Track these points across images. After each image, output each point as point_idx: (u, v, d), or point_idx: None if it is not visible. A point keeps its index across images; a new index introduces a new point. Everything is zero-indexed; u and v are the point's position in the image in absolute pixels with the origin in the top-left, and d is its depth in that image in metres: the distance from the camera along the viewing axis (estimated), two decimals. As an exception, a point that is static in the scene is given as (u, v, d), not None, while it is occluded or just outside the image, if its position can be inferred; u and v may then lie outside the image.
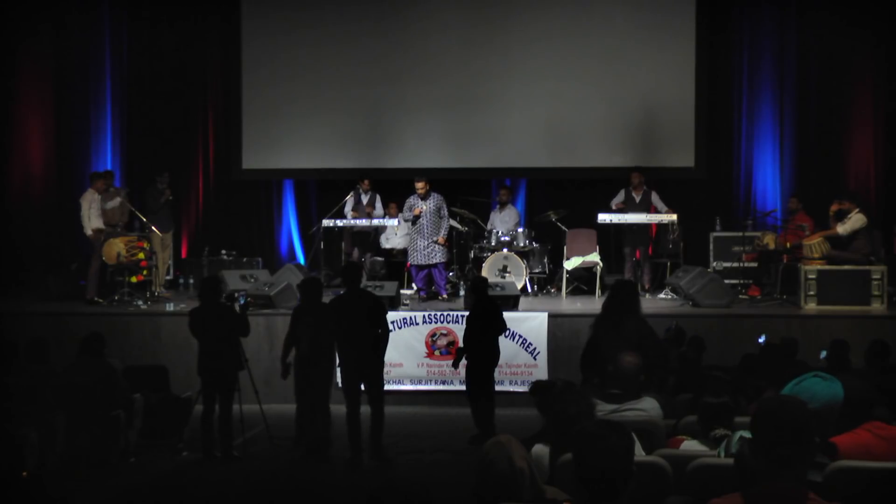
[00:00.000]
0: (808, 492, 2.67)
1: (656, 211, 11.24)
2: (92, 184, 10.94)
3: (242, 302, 7.82)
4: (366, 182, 11.71)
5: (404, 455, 7.52)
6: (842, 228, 10.12)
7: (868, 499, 3.57)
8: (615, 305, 6.78)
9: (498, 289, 9.86)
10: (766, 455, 2.68)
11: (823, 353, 7.66)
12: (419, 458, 7.43)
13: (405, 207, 10.93)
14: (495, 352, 7.98)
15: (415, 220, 10.75)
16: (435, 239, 10.68)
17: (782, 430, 2.68)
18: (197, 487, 6.85)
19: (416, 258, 10.78)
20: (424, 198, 10.74)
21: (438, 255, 10.73)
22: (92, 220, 10.68)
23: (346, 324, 7.20)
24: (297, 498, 6.68)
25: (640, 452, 4.12)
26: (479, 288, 8.16)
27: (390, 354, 8.08)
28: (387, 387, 9.02)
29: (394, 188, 12.13)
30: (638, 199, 11.36)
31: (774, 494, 2.63)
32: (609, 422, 2.82)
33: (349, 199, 11.64)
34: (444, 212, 10.84)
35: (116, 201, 11.15)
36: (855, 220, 10.10)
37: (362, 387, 7.30)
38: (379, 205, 11.72)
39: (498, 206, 11.97)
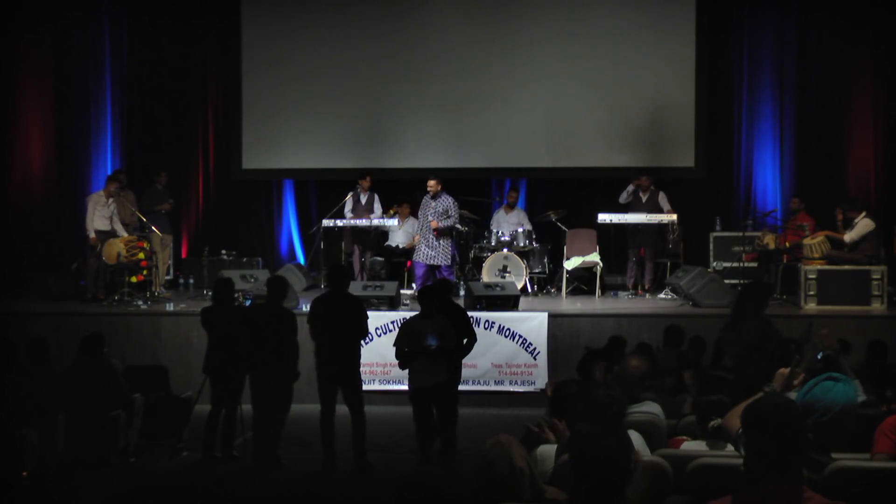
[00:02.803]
0: (805, 489, 2.66)
1: (660, 210, 11.24)
2: (106, 185, 10.92)
3: (249, 303, 7.83)
4: (367, 180, 11.63)
5: (404, 455, 7.51)
6: (848, 237, 10.11)
7: (868, 499, 3.57)
8: (743, 308, 6.77)
9: (498, 289, 9.86)
10: (759, 458, 2.67)
11: (820, 355, 7.65)
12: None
13: (420, 208, 10.86)
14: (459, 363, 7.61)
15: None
16: (433, 232, 10.58)
17: (775, 433, 2.67)
18: (197, 487, 6.85)
19: (419, 256, 10.74)
20: (435, 197, 10.67)
21: (440, 258, 10.66)
22: (95, 222, 10.68)
23: (326, 324, 7.17)
24: (298, 498, 6.68)
25: (645, 451, 4.12)
26: (435, 294, 7.57)
27: (391, 354, 8.04)
28: (386, 387, 9.05)
29: (393, 188, 12.12)
30: (644, 199, 11.37)
31: (769, 496, 2.62)
32: (608, 422, 2.81)
33: (348, 200, 11.62)
34: (452, 212, 10.64)
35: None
36: (862, 227, 10.09)
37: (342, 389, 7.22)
38: (377, 206, 11.68)
39: (504, 207, 11.99)
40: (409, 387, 7.19)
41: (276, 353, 7.13)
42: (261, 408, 7.19)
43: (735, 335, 6.42)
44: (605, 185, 12.16)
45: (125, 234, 10.83)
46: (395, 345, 7.24)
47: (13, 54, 12.60)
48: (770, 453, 2.64)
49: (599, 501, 2.63)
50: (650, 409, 4.90)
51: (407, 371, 7.20)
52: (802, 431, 2.71)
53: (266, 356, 7.12)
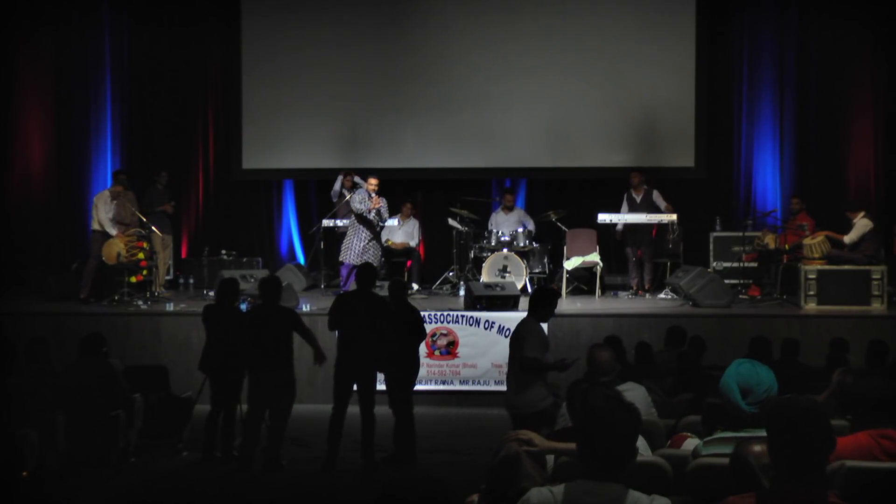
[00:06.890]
0: (832, 494, 2.66)
1: (657, 209, 11.24)
2: (114, 183, 10.88)
3: (244, 307, 7.82)
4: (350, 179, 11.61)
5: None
6: (848, 238, 10.13)
7: (868, 499, 3.56)
8: None
9: (498, 289, 9.86)
10: (786, 460, 2.67)
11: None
12: (417, 458, 7.42)
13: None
14: (415, 362, 7.50)
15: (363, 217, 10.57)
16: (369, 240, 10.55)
17: (804, 436, 2.66)
18: (197, 487, 6.85)
19: (349, 257, 10.58)
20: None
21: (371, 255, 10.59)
22: (106, 221, 10.64)
23: (346, 321, 7.18)
24: (298, 497, 6.68)
25: (646, 451, 4.12)
26: (396, 291, 7.54)
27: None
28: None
29: (393, 188, 12.09)
30: (639, 200, 11.38)
31: (795, 498, 2.62)
32: (614, 397, 2.83)
33: (336, 184, 11.64)
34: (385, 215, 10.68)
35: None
36: (860, 227, 10.11)
37: (354, 387, 7.22)
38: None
39: (501, 208, 11.99)
40: (515, 410, 6.37)
41: (276, 352, 7.09)
42: (256, 408, 7.15)
43: None
44: (606, 185, 12.16)
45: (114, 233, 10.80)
46: (527, 353, 6.38)
47: (13, 54, 12.59)
48: (799, 456, 2.64)
49: (604, 474, 2.65)
50: (629, 387, 4.98)
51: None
52: (830, 434, 2.71)
53: (266, 356, 7.08)
